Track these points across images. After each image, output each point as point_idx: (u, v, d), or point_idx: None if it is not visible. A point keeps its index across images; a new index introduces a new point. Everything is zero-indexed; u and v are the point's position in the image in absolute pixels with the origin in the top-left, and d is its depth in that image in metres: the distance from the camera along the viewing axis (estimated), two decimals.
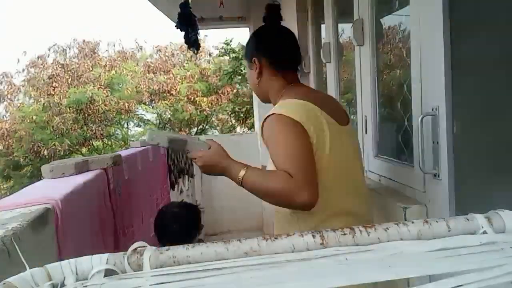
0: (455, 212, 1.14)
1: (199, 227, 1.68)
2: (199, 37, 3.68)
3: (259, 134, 3.07)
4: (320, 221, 1.12)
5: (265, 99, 1.35)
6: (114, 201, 1.52)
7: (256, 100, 4.49)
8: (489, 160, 1.09)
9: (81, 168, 1.35)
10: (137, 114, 12.13)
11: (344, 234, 0.51)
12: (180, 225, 1.61)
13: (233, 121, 12.58)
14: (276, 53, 1.28)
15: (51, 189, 1.08)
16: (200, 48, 3.96)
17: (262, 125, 1.15)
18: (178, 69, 11.74)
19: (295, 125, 1.09)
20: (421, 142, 1.21)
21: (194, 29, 3.55)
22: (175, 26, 3.51)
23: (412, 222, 0.53)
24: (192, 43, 3.61)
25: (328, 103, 1.23)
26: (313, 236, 0.50)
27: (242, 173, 1.10)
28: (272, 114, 1.13)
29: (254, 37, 1.34)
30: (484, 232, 0.52)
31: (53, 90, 10.74)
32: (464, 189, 1.12)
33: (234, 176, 1.13)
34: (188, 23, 3.48)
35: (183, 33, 3.54)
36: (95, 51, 11.93)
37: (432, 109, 1.18)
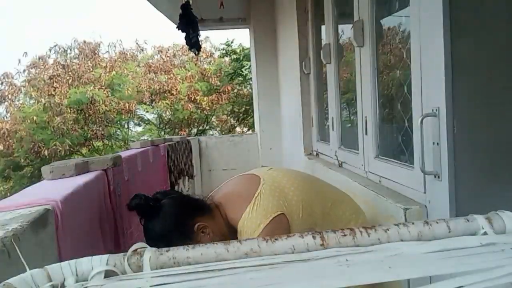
0: (455, 213, 1.14)
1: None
2: (199, 38, 3.68)
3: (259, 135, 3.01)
4: None
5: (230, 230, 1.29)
6: (114, 202, 1.52)
7: (256, 101, 4.50)
8: (489, 161, 1.09)
9: (81, 169, 1.35)
10: (138, 114, 12.13)
11: (345, 235, 0.51)
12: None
13: (233, 121, 12.59)
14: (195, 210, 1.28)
15: (51, 190, 1.08)
16: (201, 49, 3.95)
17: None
18: (179, 70, 11.76)
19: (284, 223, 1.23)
20: (421, 143, 1.21)
21: (195, 30, 3.55)
22: (176, 28, 3.51)
23: (413, 223, 0.53)
24: (193, 44, 3.61)
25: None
26: (313, 237, 0.50)
27: None
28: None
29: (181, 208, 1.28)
30: (485, 233, 0.52)
31: (54, 90, 10.74)
32: (465, 190, 1.12)
33: None
34: (189, 25, 3.49)
35: (184, 34, 3.55)
36: (96, 52, 11.94)
37: (432, 110, 1.17)
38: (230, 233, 1.26)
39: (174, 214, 1.22)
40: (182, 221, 1.22)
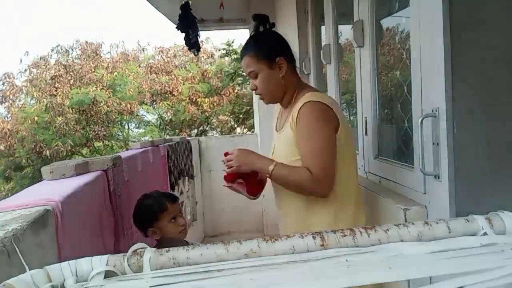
0: (455, 213, 1.14)
1: (154, 214, 1.53)
2: (199, 39, 3.68)
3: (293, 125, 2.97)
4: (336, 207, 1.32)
5: (279, 98, 1.44)
6: (114, 202, 1.52)
7: (256, 101, 4.50)
8: (489, 161, 1.09)
9: (81, 170, 1.35)
10: (138, 115, 12.14)
11: (344, 236, 0.51)
12: (136, 206, 1.61)
13: (233, 122, 12.59)
14: (292, 54, 1.43)
15: (51, 190, 1.08)
16: (202, 50, 3.95)
17: (298, 112, 1.29)
18: (180, 70, 11.76)
19: (328, 110, 1.29)
20: (421, 143, 1.21)
21: (195, 30, 3.56)
22: (176, 28, 3.52)
23: (413, 224, 0.53)
24: (192, 45, 3.61)
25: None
26: (314, 238, 0.50)
27: (271, 168, 1.29)
28: (309, 101, 1.29)
29: (275, 38, 1.46)
30: (485, 234, 0.52)
31: (56, 90, 10.75)
32: (465, 190, 1.12)
33: (264, 170, 1.31)
34: (188, 25, 3.49)
35: (183, 34, 3.55)
36: (98, 52, 11.95)
37: (432, 110, 1.17)
38: (290, 92, 1.40)
39: (275, 38, 1.45)
40: (274, 45, 1.41)
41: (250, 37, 1.49)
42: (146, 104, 11.68)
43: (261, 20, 1.50)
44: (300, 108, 1.29)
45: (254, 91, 1.44)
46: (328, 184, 1.26)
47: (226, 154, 1.41)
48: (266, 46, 1.40)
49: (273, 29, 1.53)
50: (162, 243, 1.56)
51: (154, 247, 0.50)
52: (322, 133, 1.26)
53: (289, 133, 1.33)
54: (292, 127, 1.32)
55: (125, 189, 1.72)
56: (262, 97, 1.43)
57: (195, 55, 4.06)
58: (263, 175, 1.40)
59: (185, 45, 3.81)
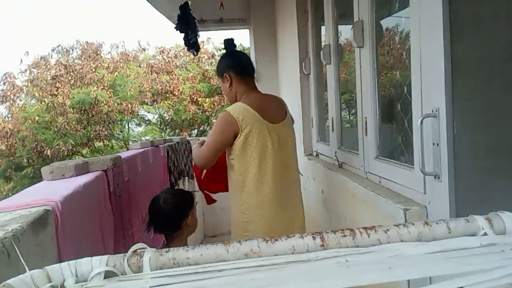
0: (455, 214, 1.13)
1: (186, 210, 1.69)
2: (198, 39, 3.68)
3: None
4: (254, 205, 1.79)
5: (234, 100, 1.90)
6: (114, 202, 1.52)
7: None
8: (489, 162, 1.09)
9: (81, 170, 1.35)
10: (140, 115, 12.15)
11: (344, 236, 0.51)
12: (164, 206, 1.66)
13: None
14: (238, 65, 1.90)
15: (51, 190, 1.08)
16: (203, 50, 3.96)
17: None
18: (181, 70, 11.77)
19: (229, 118, 1.75)
20: (421, 143, 1.21)
21: (194, 31, 3.55)
22: (175, 28, 3.51)
23: (413, 224, 0.53)
24: (192, 45, 3.61)
25: (266, 108, 1.81)
26: (313, 238, 0.50)
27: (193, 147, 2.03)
28: (224, 111, 1.79)
29: (222, 60, 1.98)
30: (485, 234, 0.52)
31: (56, 90, 10.76)
32: (465, 191, 1.12)
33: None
34: (187, 25, 3.49)
35: (182, 34, 3.55)
36: (98, 52, 11.95)
37: (432, 111, 1.17)
38: (231, 98, 1.94)
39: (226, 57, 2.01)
40: (221, 65, 1.96)
41: (222, 56, 2.03)
42: (147, 104, 11.68)
43: (226, 45, 2.00)
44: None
45: None
46: (201, 161, 1.86)
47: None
48: (218, 66, 1.96)
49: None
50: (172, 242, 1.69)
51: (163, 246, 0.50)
52: (213, 132, 1.82)
53: None
54: None
55: (125, 189, 1.72)
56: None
57: (194, 55, 4.07)
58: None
59: (184, 45, 3.81)
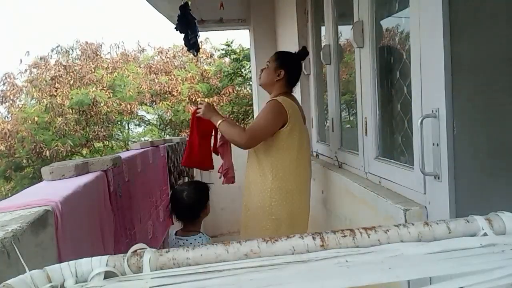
0: (455, 214, 1.13)
1: (204, 201, 2.01)
2: (198, 39, 3.68)
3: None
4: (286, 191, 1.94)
5: (267, 88, 2.15)
6: (114, 202, 1.52)
7: (256, 101, 4.50)
8: (489, 162, 1.09)
9: (81, 170, 1.35)
10: (139, 115, 12.14)
11: (344, 236, 0.51)
12: (187, 200, 1.95)
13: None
14: (293, 77, 2.11)
15: (51, 191, 1.08)
16: (202, 50, 3.97)
17: (266, 102, 1.98)
18: (180, 71, 11.76)
19: (281, 109, 1.90)
20: (421, 143, 1.21)
21: (194, 31, 3.55)
22: (175, 28, 3.51)
23: (413, 224, 0.53)
24: (192, 45, 3.61)
25: (301, 109, 2.09)
26: (313, 238, 0.50)
27: (219, 121, 1.92)
28: (275, 100, 1.94)
29: (291, 58, 2.15)
30: (485, 234, 0.52)
31: (56, 91, 10.75)
32: (465, 191, 1.12)
33: (214, 121, 1.95)
34: (187, 26, 3.48)
35: (182, 35, 3.55)
36: (98, 53, 11.95)
37: (432, 111, 1.17)
38: (277, 88, 2.10)
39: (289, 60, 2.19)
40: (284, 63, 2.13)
41: (294, 53, 2.20)
42: (146, 104, 11.68)
43: (300, 51, 2.23)
44: (268, 101, 1.98)
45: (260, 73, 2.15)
46: (249, 141, 1.85)
47: (197, 109, 2.07)
48: (283, 58, 2.13)
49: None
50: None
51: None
52: (266, 117, 1.90)
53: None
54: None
55: (126, 189, 1.72)
56: (259, 78, 2.16)
57: (194, 55, 4.08)
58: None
59: (184, 45, 3.81)
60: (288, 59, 2.12)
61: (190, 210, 1.94)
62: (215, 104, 11.53)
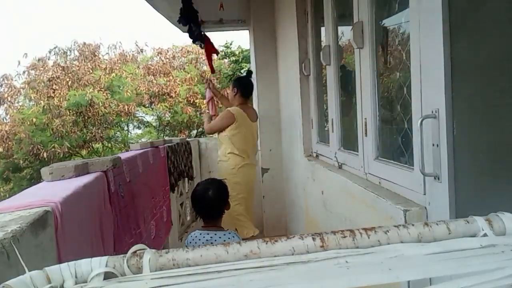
0: (455, 215, 1.13)
1: (226, 198, 2.14)
2: (202, 32, 3.69)
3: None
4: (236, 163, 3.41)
5: (232, 104, 3.52)
6: (115, 203, 1.52)
7: (256, 102, 4.51)
8: (489, 162, 1.09)
9: (81, 171, 1.35)
10: (137, 117, 12.13)
11: (344, 237, 0.51)
12: (214, 197, 2.05)
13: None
14: (244, 91, 3.52)
15: (51, 191, 1.08)
16: (200, 51, 4.01)
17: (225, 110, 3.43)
18: (178, 72, 11.75)
19: (231, 115, 3.36)
20: (421, 144, 1.21)
21: (196, 23, 3.55)
22: (177, 21, 3.50)
23: (413, 225, 0.53)
24: (197, 37, 3.62)
25: (250, 113, 3.49)
26: (313, 239, 0.50)
27: (206, 115, 3.86)
28: (228, 109, 3.40)
29: (240, 78, 3.79)
30: (485, 235, 0.52)
31: (53, 92, 10.74)
32: (465, 192, 1.12)
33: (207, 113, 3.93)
34: (190, 18, 3.48)
35: (184, 34, 3.55)
36: (96, 53, 11.94)
37: (432, 112, 1.18)
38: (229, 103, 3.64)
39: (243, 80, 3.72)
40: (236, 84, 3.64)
41: (239, 76, 4.82)
42: (144, 105, 11.67)
43: (248, 74, 3.83)
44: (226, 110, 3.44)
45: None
46: (208, 131, 3.61)
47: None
48: (235, 81, 3.62)
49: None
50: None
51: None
52: (218, 119, 3.46)
53: None
54: None
55: (127, 189, 1.72)
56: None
57: (201, 47, 4.29)
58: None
59: (189, 38, 3.88)
60: (239, 78, 3.65)
61: (215, 207, 2.05)
62: None
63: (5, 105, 11.17)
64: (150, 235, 2.11)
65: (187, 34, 3.94)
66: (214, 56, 4.80)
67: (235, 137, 3.34)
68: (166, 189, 2.82)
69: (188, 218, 3.87)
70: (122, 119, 11.49)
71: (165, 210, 2.59)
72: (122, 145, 11.69)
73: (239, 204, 3.33)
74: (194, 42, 3.98)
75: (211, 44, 4.25)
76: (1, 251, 0.64)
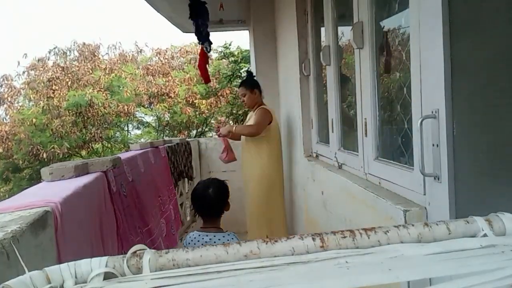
0: (455, 215, 1.13)
1: (226, 198, 2.10)
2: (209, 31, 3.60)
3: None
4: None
5: (252, 107, 3.47)
6: (118, 203, 1.52)
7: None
8: (489, 162, 1.09)
9: (80, 171, 1.35)
10: (136, 117, 12.13)
11: (344, 237, 0.51)
12: (214, 196, 2.03)
13: (231, 123, 12.61)
14: (260, 90, 3.48)
15: (51, 191, 1.08)
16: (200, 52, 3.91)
17: (256, 111, 3.39)
18: (177, 72, 11.75)
19: (269, 113, 3.35)
20: (420, 144, 1.21)
21: (205, 19, 3.48)
22: (189, 18, 3.45)
23: (412, 225, 0.53)
24: (205, 36, 3.55)
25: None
26: (313, 239, 0.50)
27: (234, 127, 3.41)
28: (262, 107, 3.38)
29: (255, 81, 3.59)
30: (485, 235, 0.52)
31: (53, 93, 10.73)
32: (464, 192, 1.12)
33: (231, 129, 3.36)
34: (198, 13, 3.42)
35: (184, 34, 3.52)
36: (95, 54, 11.93)
37: (432, 112, 1.17)
38: (252, 104, 3.48)
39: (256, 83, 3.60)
40: (257, 86, 3.55)
41: (246, 78, 3.62)
42: (144, 106, 11.66)
43: (249, 73, 3.74)
44: (257, 109, 3.36)
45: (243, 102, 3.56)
46: (258, 130, 3.24)
47: (218, 128, 3.50)
48: (251, 83, 3.49)
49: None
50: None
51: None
52: (261, 117, 3.28)
53: (252, 117, 3.38)
54: (254, 115, 3.37)
55: (130, 189, 1.72)
56: (245, 105, 3.58)
57: (207, 51, 3.91)
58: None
59: (196, 39, 3.72)
60: (252, 80, 3.53)
61: (215, 206, 2.04)
62: (213, 105, 11.55)
63: (5, 105, 11.16)
64: (161, 232, 2.12)
65: (186, 34, 3.92)
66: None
67: (270, 136, 3.31)
68: (170, 189, 2.82)
69: (188, 218, 3.87)
70: (122, 120, 11.49)
71: (172, 209, 2.60)
72: (122, 146, 11.68)
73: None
74: (201, 43, 3.74)
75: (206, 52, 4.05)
76: (1, 251, 0.64)
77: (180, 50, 12.35)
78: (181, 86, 11.34)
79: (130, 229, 1.59)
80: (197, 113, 11.54)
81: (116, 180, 1.53)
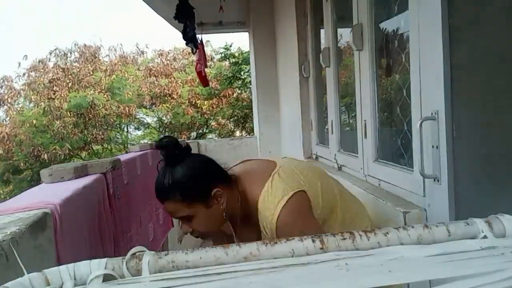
0: (455, 217, 1.13)
1: None
2: (197, 35, 3.65)
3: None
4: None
5: (221, 227, 1.36)
6: (113, 205, 1.52)
7: (256, 105, 4.51)
8: (489, 164, 1.09)
9: (80, 173, 1.34)
10: (137, 118, 12.13)
11: (344, 239, 0.50)
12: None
13: (232, 125, 12.60)
14: (219, 168, 1.32)
15: (50, 193, 1.08)
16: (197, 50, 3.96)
17: (276, 229, 1.14)
18: (180, 73, 11.76)
19: (303, 199, 1.21)
20: (420, 146, 1.21)
21: (192, 23, 3.52)
22: (173, 18, 3.48)
23: (412, 227, 0.53)
24: (190, 38, 3.58)
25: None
26: (313, 241, 0.50)
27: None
28: (282, 208, 1.13)
29: (200, 167, 1.32)
30: (485, 237, 0.52)
31: (54, 94, 10.73)
32: (464, 194, 1.12)
33: None
34: (186, 16, 3.45)
35: (181, 28, 3.54)
36: (96, 55, 11.94)
37: (432, 113, 1.18)
38: (241, 210, 1.23)
39: (199, 168, 1.22)
40: (203, 178, 1.20)
41: (161, 182, 1.27)
42: (146, 107, 11.67)
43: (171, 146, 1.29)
44: (276, 222, 1.12)
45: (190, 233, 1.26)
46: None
47: None
48: (195, 185, 1.19)
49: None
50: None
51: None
52: (310, 229, 1.08)
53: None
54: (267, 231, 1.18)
55: (124, 192, 1.71)
56: (203, 237, 1.32)
57: (193, 53, 4.06)
58: None
59: (182, 39, 3.79)
60: (197, 173, 1.33)
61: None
62: (214, 107, 11.54)
63: (5, 106, 11.16)
64: (148, 237, 2.11)
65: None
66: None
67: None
68: None
69: None
70: (123, 121, 11.49)
71: (161, 212, 2.58)
72: (122, 147, 11.67)
73: None
74: (187, 44, 3.87)
75: (204, 55, 4.09)
76: (0, 253, 0.64)
77: (182, 51, 12.36)
78: (183, 87, 11.35)
79: (119, 233, 1.59)
80: (199, 114, 11.54)
81: (113, 182, 1.53)
